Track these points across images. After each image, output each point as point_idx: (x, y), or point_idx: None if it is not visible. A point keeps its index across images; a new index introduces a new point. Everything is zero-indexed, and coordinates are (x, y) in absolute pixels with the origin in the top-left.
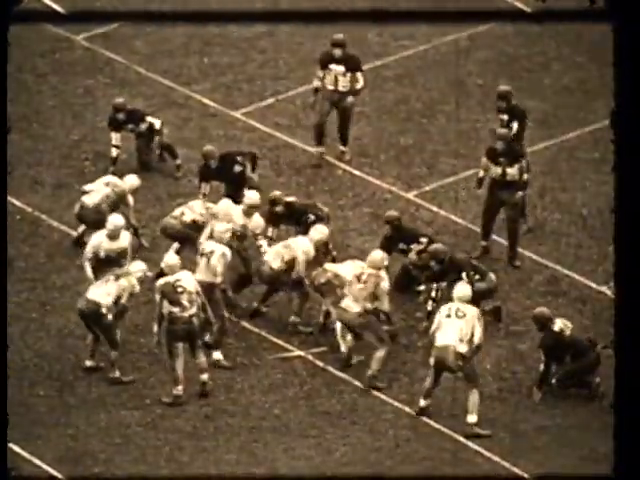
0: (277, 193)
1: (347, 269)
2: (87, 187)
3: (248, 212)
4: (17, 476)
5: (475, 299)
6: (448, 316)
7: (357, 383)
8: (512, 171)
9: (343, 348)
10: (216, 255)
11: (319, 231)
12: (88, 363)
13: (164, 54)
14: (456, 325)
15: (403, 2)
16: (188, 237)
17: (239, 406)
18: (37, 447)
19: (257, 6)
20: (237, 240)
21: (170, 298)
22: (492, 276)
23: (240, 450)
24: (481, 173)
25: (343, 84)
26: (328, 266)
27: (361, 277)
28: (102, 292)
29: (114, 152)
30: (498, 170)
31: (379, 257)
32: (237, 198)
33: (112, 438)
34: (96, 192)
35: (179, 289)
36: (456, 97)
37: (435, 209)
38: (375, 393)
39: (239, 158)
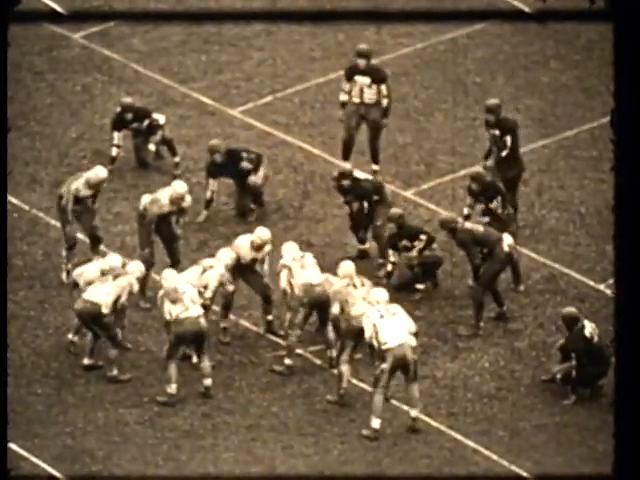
0: (347, 167)
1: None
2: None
3: (258, 247)
4: (16, 475)
5: (492, 278)
6: (381, 317)
7: (355, 381)
8: (493, 206)
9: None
10: (215, 272)
11: (259, 235)
12: (86, 361)
13: (161, 52)
14: (397, 322)
15: (402, 1)
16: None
17: (237, 404)
18: (35, 445)
19: (255, 5)
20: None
21: (171, 298)
22: (505, 244)
23: (238, 448)
24: (466, 210)
25: (369, 96)
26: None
27: (355, 284)
28: (101, 292)
29: (114, 151)
30: (482, 206)
31: (351, 268)
32: (245, 194)
33: (110, 436)
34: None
35: (180, 289)
36: (454, 95)
37: (433, 207)
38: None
39: (244, 155)
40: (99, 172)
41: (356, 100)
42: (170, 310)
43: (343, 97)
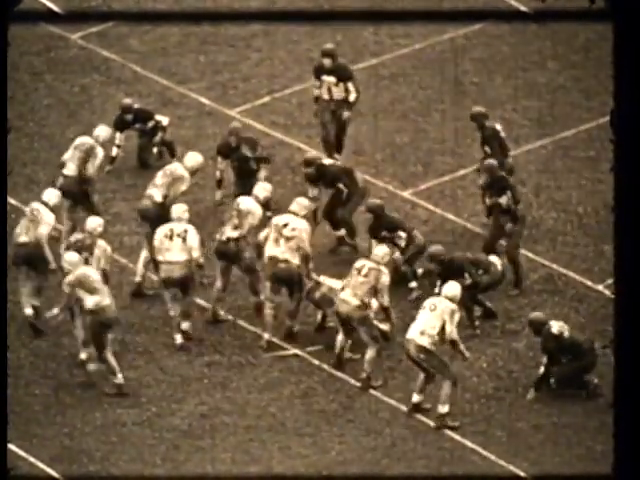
0: (312, 154)
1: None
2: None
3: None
4: (14, 475)
5: (483, 291)
6: (423, 307)
7: (353, 382)
8: (503, 200)
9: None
10: (191, 233)
11: (263, 188)
12: (83, 356)
13: (160, 52)
14: (423, 318)
15: (400, 1)
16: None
17: (235, 405)
18: (33, 446)
19: (253, 5)
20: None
21: (87, 288)
22: (497, 263)
23: (236, 449)
24: (488, 201)
25: (337, 93)
26: (322, 279)
27: (362, 270)
28: (92, 269)
29: (115, 151)
30: (492, 199)
31: (382, 252)
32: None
33: (108, 437)
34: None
35: (90, 279)
36: (452, 96)
37: (431, 207)
38: (371, 391)
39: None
40: (104, 130)
41: (325, 97)
42: (86, 300)
43: (316, 92)
